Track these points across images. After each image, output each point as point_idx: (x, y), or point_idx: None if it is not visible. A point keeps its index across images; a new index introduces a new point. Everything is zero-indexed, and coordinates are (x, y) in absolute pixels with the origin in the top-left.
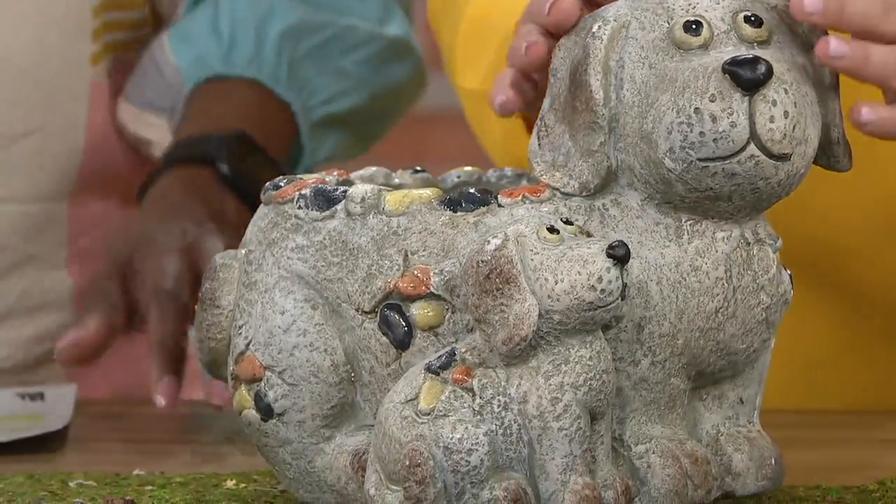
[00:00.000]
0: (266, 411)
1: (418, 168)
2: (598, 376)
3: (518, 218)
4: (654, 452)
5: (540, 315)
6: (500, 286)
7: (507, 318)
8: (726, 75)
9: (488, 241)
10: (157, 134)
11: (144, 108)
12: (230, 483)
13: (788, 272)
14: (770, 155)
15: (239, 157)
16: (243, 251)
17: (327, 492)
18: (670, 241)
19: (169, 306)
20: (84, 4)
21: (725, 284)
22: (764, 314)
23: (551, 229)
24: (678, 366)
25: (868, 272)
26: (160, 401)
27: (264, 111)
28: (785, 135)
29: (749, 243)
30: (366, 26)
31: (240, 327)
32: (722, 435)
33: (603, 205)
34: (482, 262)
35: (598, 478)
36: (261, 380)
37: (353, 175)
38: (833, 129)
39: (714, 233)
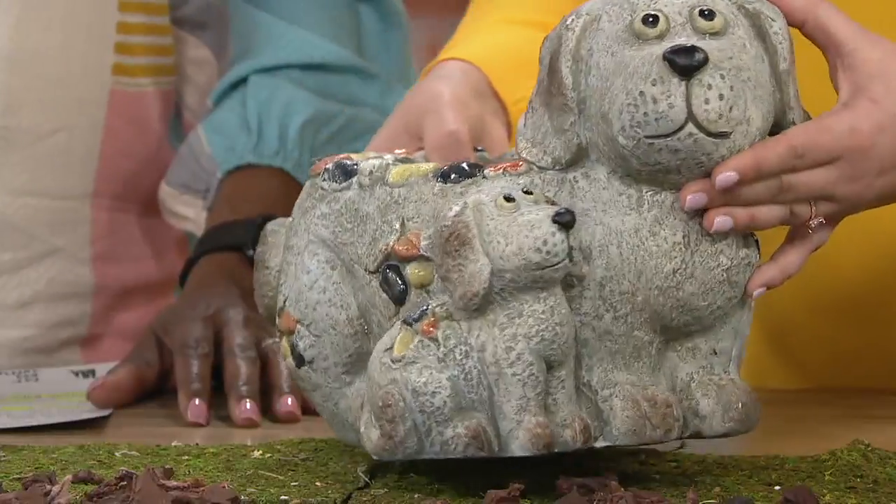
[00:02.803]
0: (299, 359)
1: (478, 147)
2: (550, 328)
3: (491, 189)
4: (616, 396)
5: (493, 274)
6: (458, 248)
7: (464, 276)
8: (665, 62)
9: (450, 208)
10: (193, 212)
11: (182, 190)
12: (257, 453)
13: (755, 238)
14: (708, 133)
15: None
16: (290, 219)
17: (349, 430)
18: (632, 209)
19: (192, 354)
20: (108, 19)
21: (683, 248)
22: (725, 275)
23: (508, 198)
24: (640, 320)
25: (830, 258)
26: (193, 419)
27: (288, 195)
28: (721, 115)
29: (706, 211)
30: (368, 114)
31: (281, 286)
32: (693, 382)
33: (574, 177)
34: (444, 227)
35: (558, 419)
36: (294, 332)
37: (414, 154)
38: (789, 112)
39: (672, 202)
